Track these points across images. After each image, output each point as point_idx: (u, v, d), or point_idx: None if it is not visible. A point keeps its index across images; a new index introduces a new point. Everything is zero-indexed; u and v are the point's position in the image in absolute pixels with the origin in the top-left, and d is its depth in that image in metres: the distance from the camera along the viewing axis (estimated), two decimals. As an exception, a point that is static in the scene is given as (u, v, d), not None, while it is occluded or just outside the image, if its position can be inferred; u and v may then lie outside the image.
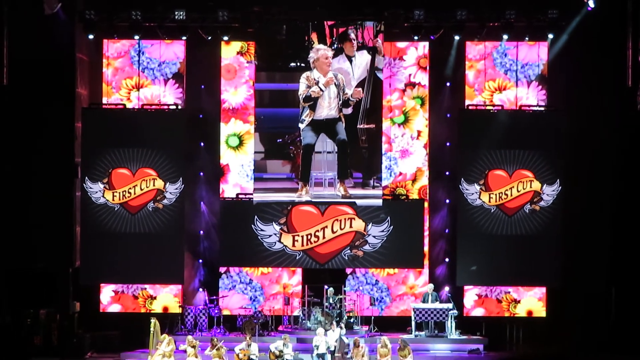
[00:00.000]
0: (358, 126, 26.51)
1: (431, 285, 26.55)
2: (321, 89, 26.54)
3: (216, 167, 27.61)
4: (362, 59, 26.55)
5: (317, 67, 26.53)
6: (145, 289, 27.29)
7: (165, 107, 27.13)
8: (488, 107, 27.14)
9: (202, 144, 27.65)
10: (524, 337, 26.32)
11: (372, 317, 26.34)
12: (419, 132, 27.64)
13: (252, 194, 26.86)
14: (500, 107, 27.04)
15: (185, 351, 22.78)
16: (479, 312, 27.15)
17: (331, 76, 26.50)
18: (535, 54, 27.24)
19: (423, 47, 27.59)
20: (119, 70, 27.44)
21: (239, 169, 27.61)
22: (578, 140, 26.55)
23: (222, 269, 27.56)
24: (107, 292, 27.33)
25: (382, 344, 22.90)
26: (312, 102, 26.58)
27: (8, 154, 26.28)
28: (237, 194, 27.37)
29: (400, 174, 27.60)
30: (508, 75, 27.36)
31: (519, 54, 27.25)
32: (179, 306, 26.82)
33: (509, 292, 27.20)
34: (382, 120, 26.88)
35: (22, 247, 26.17)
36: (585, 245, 26.65)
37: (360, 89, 26.53)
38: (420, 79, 27.60)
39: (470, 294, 27.22)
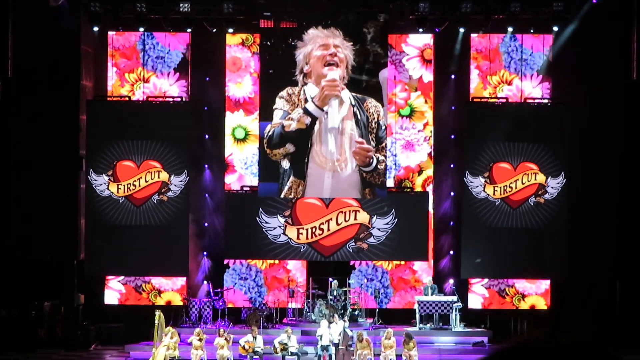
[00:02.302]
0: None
1: (429, 278, 26.59)
2: (308, 114, 26.07)
3: (221, 159, 27.60)
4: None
5: (312, 72, 26.24)
6: (150, 281, 27.32)
7: (170, 99, 27.14)
8: (493, 100, 27.12)
9: (207, 136, 27.63)
10: (528, 330, 26.31)
11: (377, 310, 26.34)
12: (424, 125, 27.61)
13: (256, 187, 26.85)
14: (505, 100, 27.01)
15: (191, 343, 22.83)
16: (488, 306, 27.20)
17: (333, 83, 25.96)
18: (540, 47, 27.20)
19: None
20: (123, 62, 27.43)
21: (243, 161, 27.57)
22: (583, 133, 26.52)
23: (237, 262, 27.59)
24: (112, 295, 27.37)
25: (387, 336, 22.90)
26: (288, 146, 26.23)
27: (13, 146, 26.31)
28: (242, 187, 27.37)
29: (403, 167, 27.57)
30: (510, 66, 27.31)
31: (524, 47, 27.21)
32: (183, 298, 26.83)
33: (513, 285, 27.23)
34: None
35: (27, 239, 26.22)
36: (590, 238, 26.62)
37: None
38: (423, 71, 27.53)
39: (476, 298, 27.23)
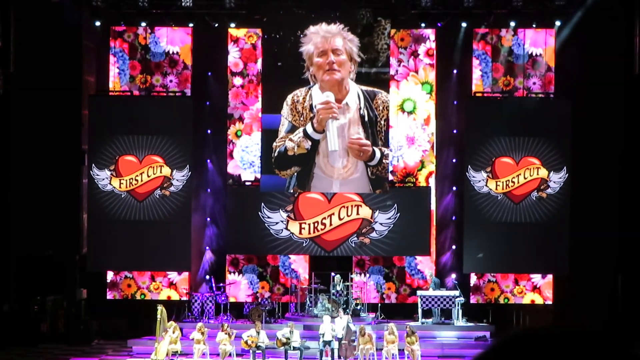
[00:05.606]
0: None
1: (431, 272, 26.65)
2: (308, 137, 26.12)
3: (223, 154, 27.58)
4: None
5: (315, 77, 26.01)
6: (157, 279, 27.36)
7: (172, 94, 27.13)
8: (495, 94, 27.10)
9: (209, 131, 27.61)
10: (530, 324, 26.30)
11: (379, 304, 26.35)
12: (426, 120, 27.58)
13: (258, 181, 26.85)
14: (507, 95, 26.99)
15: (193, 338, 22.84)
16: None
17: (327, 105, 25.86)
18: (542, 41, 27.16)
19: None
20: (125, 57, 27.42)
21: (245, 156, 27.56)
22: (585, 127, 26.48)
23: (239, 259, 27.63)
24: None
25: (389, 331, 22.93)
26: (294, 168, 26.31)
27: (15, 141, 26.31)
28: (244, 181, 27.37)
29: (405, 162, 27.56)
30: (514, 62, 27.31)
31: (526, 41, 27.19)
32: (186, 293, 26.84)
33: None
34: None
35: (30, 234, 26.22)
36: (592, 233, 26.59)
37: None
38: (426, 66, 27.52)
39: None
